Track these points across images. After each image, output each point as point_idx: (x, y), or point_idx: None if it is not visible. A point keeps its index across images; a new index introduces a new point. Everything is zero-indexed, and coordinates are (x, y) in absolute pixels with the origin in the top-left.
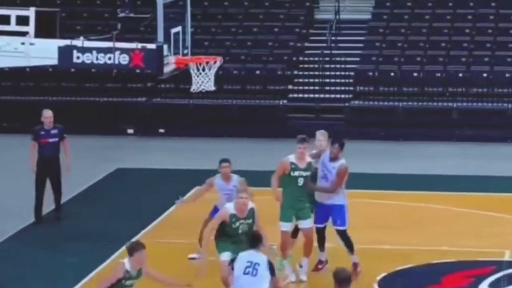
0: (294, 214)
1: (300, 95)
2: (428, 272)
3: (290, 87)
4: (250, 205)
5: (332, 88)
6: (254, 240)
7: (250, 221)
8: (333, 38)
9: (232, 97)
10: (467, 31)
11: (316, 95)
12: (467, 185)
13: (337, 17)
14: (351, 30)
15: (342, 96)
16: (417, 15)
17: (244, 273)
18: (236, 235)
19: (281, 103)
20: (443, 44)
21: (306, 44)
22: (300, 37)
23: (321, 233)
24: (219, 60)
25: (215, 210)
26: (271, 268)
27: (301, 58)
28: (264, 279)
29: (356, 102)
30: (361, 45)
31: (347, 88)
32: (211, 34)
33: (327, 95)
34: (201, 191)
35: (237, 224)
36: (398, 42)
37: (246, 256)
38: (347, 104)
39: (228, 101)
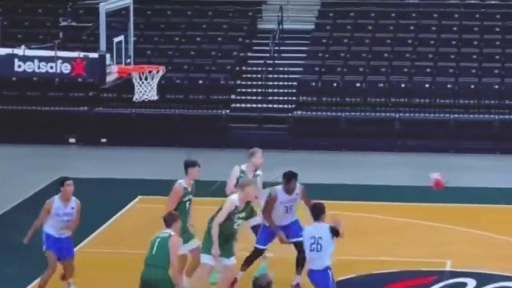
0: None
1: (243, 105)
2: (369, 282)
3: (233, 96)
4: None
5: (275, 98)
6: (316, 212)
7: (243, 215)
8: (276, 48)
9: (174, 106)
10: (409, 41)
11: (259, 105)
12: (409, 195)
13: (280, 27)
14: (294, 40)
15: (285, 106)
16: (360, 25)
17: (311, 250)
18: (230, 235)
19: (223, 112)
20: (385, 55)
21: (249, 54)
22: (243, 46)
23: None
24: (161, 70)
25: (46, 236)
26: (333, 232)
27: (244, 68)
28: (328, 249)
29: (299, 112)
30: (304, 55)
31: (290, 98)
32: (154, 43)
33: (270, 105)
34: (40, 220)
35: (237, 221)
36: (341, 52)
37: (309, 231)
38: (290, 114)
39: (170, 111)
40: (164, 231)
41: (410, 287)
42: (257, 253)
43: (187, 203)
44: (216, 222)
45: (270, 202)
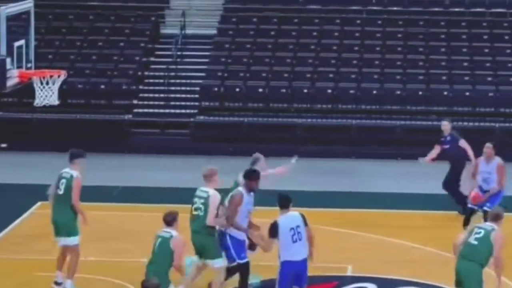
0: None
1: (145, 110)
2: (269, 287)
3: (135, 102)
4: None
5: (178, 103)
6: (286, 201)
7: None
8: (179, 53)
9: (76, 111)
10: (312, 47)
11: (161, 110)
12: (310, 201)
13: (183, 32)
14: (197, 45)
15: (188, 111)
16: (263, 31)
17: (293, 242)
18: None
19: (126, 117)
20: (288, 60)
21: (152, 59)
22: (146, 51)
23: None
24: (63, 74)
25: None
26: (304, 219)
27: (146, 73)
28: (305, 236)
29: (202, 117)
30: (206, 60)
31: (192, 103)
32: (55, 47)
33: (172, 110)
34: None
35: None
36: (243, 57)
37: (285, 222)
38: (192, 119)
39: (72, 116)
40: (165, 230)
41: None
42: (243, 269)
43: None
44: (211, 219)
45: (237, 203)
